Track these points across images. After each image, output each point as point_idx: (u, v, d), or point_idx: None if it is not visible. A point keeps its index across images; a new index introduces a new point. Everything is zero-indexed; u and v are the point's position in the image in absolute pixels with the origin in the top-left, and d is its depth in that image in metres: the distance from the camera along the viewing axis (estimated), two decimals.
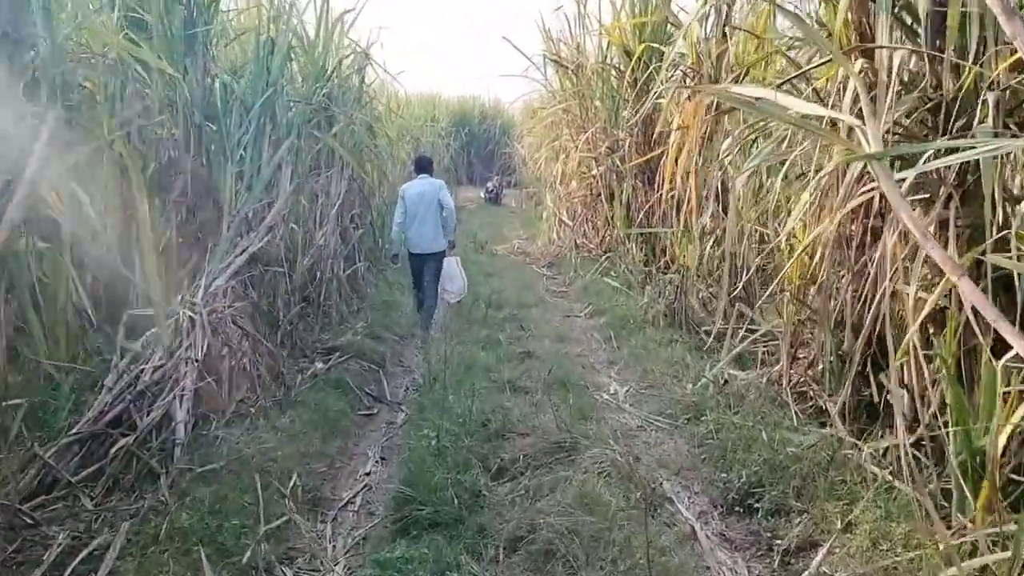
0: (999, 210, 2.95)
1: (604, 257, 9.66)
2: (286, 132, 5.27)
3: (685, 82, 6.49)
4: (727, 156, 5.54)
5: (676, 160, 6.60)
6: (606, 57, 9.65)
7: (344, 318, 6.74)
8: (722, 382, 4.69)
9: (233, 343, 4.40)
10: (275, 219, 4.93)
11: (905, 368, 3.18)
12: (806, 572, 2.93)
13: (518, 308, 7.82)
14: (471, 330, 6.64)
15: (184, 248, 4.91)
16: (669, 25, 8.54)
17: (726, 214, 6.33)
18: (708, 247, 6.27)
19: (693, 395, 4.69)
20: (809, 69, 4.25)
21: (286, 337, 5.46)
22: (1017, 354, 2.18)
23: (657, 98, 8.69)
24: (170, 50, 4.99)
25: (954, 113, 3.22)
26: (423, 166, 6.88)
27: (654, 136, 8.80)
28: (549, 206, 11.94)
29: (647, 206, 9.06)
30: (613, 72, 9.22)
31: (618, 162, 9.12)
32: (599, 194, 10.30)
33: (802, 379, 4.44)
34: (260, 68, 5.05)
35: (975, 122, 3.04)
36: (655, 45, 7.99)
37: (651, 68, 8.63)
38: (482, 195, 21.53)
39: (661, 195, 7.06)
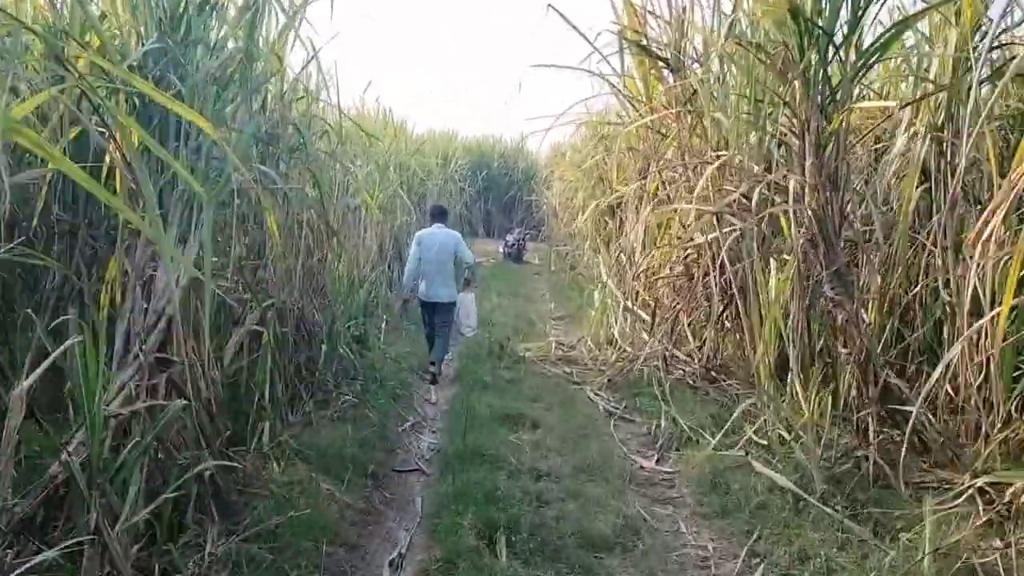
0: None
1: (719, 391, 5.27)
2: None
3: None
4: None
5: None
6: (731, 29, 5.29)
7: None
8: None
9: None
10: None
11: None
12: None
13: (584, 554, 3.39)
14: None
15: None
16: None
17: None
18: None
19: None
20: None
21: None
22: None
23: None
24: None
25: None
26: (438, 215, 6.88)
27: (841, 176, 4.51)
28: (608, 286, 7.55)
29: (834, 314, 4.69)
30: (762, 56, 4.82)
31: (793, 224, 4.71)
32: (706, 274, 5.92)
33: None
34: None
35: None
36: None
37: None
38: (501, 250, 17.27)
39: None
